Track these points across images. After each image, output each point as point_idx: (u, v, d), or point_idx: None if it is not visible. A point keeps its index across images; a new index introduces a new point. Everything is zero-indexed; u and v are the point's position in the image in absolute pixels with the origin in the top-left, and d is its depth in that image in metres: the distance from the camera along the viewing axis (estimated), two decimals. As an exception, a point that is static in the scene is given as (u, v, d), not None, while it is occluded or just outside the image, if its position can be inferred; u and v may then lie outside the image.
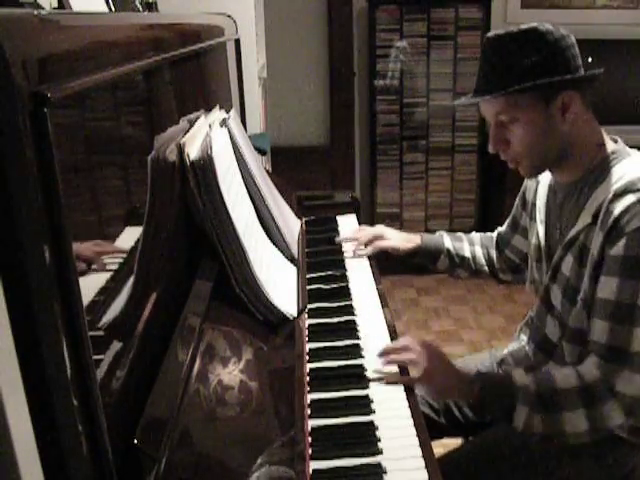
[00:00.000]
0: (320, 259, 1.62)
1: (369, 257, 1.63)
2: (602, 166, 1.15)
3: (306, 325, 1.29)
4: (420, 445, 0.95)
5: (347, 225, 1.87)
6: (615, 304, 1.06)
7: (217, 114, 1.41)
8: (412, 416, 1.02)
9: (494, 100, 1.14)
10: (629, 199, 1.06)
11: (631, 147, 1.19)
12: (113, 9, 1.30)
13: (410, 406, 1.05)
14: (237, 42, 2.00)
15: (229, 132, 1.35)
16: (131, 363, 0.71)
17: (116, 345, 0.70)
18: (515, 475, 1.21)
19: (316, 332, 1.28)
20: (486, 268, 1.56)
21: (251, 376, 0.98)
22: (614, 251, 1.05)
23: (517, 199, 1.47)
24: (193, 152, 1.09)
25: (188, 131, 1.14)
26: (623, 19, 3.51)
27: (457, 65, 3.40)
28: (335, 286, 1.47)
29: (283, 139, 3.56)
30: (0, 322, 0.50)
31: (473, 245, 1.57)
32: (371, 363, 1.17)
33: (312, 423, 1.00)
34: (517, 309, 3.13)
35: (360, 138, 3.70)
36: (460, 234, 1.60)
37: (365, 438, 0.97)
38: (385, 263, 1.66)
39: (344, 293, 1.44)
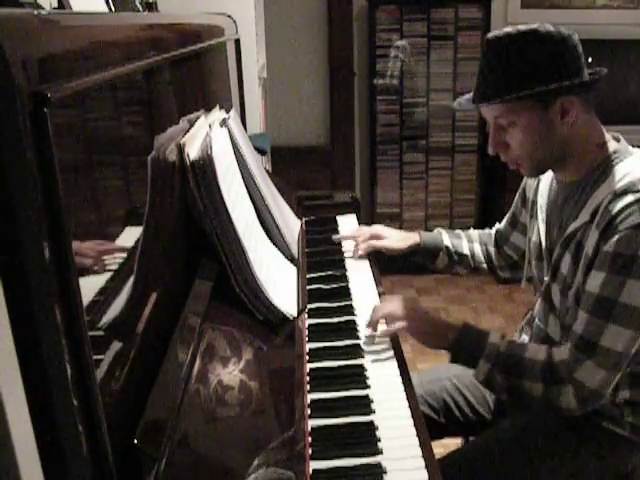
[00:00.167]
0: (320, 259, 1.62)
1: (369, 257, 1.63)
2: (604, 166, 1.15)
3: (306, 325, 1.29)
4: (420, 445, 0.95)
5: (347, 225, 1.87)
6: (597, 297, 1.07)
7: (217, 114, 1.41)
8: (412, 416, 1.02)
9: (492, 105, 1.14)
10: (628, 199, 1.06)
11: (632, 147, 1.19)
12: (113, 9, 1.30)
13: (410, 406, 1.05)
14: (237, 42, 2.00)
15: (229, 132, 1.35)
16: (131, 363, 0.71)
17: (116, 345, 0.70)
18: (515, 475, 1.21)
19: (316, 332, 1.27)
20: (485, 265, 1.56)
21: (251, 376, 0.98)
22: (606, 247, 1.06)
23: (517, 196, 1.47)
24: (193, 152, 1.09)
25: (188, 131, 1.14)
26: (623, 19, 3.51)
27: (457, 65, 3.40)
28: (335, 286, 1.47)
29: (283, 139, 3.56)
30: (0, 322, 0.50)
31: (472, 242, 1.57)
32: (371, 363, 1.17)
33: (312, 423, 1.00)
34: (517, 309, 3.13)
35: (360, 138, 3.70)
36: (458, 231, 1.60)
37: (365, 438, 0.97)
38: (385, 263, 1.66)
39: (344, 293, 1.44)
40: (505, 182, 3.31)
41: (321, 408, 1.04)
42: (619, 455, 1.20)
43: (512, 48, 1.10)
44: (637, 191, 1.06)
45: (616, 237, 1.05)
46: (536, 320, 1.32)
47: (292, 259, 1.44)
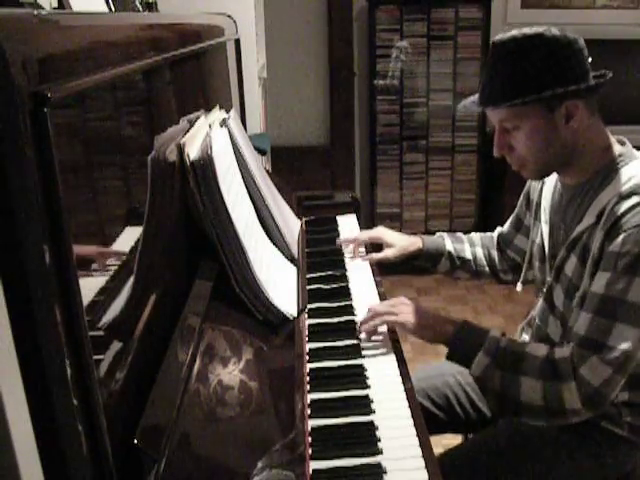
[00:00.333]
0: (320, 259, 1.62)
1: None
2: (609, 169, 1.15)
3: (306, 325, 1.29)
4: (420, 445, 0.95)
5: (347, 225, 1.87)
6: (602, 297, 1.06)
7: (217, 114, 1.41)
8: (412, 416, 1.02)
9: (497, 109, 1.14)
10: (633, 200, 1.06)
11: (632, 147, 1.19)
12: (113, 9, 1.30)
13: (410, 406, 1.05)
14: (237, 42, 2.00)
15: (229, 132, 1.35)
16: (131, 363, 0.71)
17: (116, 345, 0.70)
18: (514, 474, 1.21)
19: (316, 332, 1.27)
20: (487, 269, 1.56)
21: (251, 376, 0.98)
22: (611, 247, 1.06)
23: (521, 198, 1.47)
24: (193, 152, 1.09)
25: (188, 131, 1.14)
26: (623, 19, 3.51)
27: (457, 65, 3.40)
28: (335, 286, 1.47)
29: (283, 139, 3.56)
30: (0, 322, 0.50)
31: (474, 246, 1.56)
32: (371, 363, 1.17)
33: (312, 423, 1.00)
34: (517, 309, 3.13)
35: (360, 138, 3.70)
36: (460, 235, 1.59)
37: (365, 438, 0.97)
38: (385, 263, 1.66)
39: (344, 293, 1.44)
40: (505, 182, 3.31)
41: (321, 408, 1.04)
42: (618, 455, 1.20)
43: (518, 52, 1.10)
44: None
45: (621, 237, 1.05)
46: (536, 321, 1.32)
47: (292, 259, 1.44)
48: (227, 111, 1.52)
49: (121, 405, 0.68)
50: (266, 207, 1.41)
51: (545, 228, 1.30)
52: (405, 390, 1.09)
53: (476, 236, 1.59)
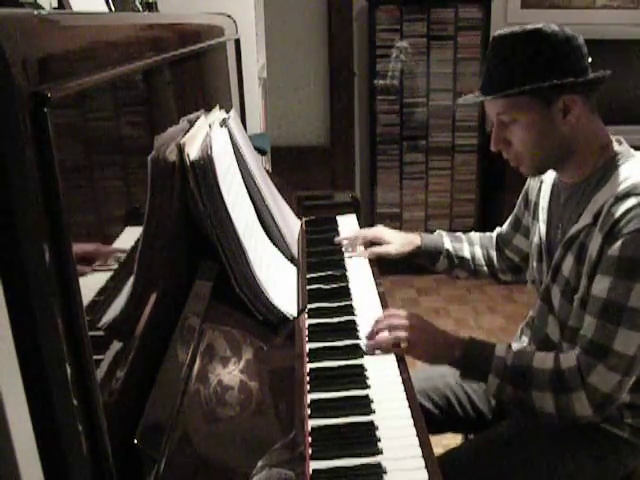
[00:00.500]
0: (320, 259, 1.62)
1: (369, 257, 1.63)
2: (606, 168, 1.15)
3: (306, 325, 1.29)
4: (420, 445, 0.95)
5: (347, 225, 1.87)
6: (605, 302, 1.06)
7: (217, 114, 1.41)
8: (412, 416, 1.02)
9: (495, 101, 1.15)
10: (631, 202, 1.06)
11: (632, 147, 1.19)
12: (113, 9, 1.30)
13: (410, 406, 1.05)
14: (237, 42, 2.00)
15: (229, 132, 1.35)
16: (131, 363, 0.71)
17: (116, 345, 0.70)
18: (515, 475, 1.21)
19: (316, 332, 1.27)
20: (485, 268, 1.56)
21: (251, 376, 0.98)
22: (611, 251, 1.06)
23: (520, 198, 1.47)
24: (193, 152, 1.09)
25: (188, 131, 1.14)
26: (623, 19, 3.51)
27: (457, 65, 3.40)
28: (335, 286, 1.47)
29: (283, 139, 3.56)
30: (0, 322, 0.50)
31: (472, 245, 1.57)
32: (371, 363, 1.17)
33: (312, 423, 1.00)
34: (517, 309, 3.13)
35: (360, 138, 3.70)
36: (459, 234, 1.60)
37: (365, 438, 0.97)
38: (385, 263, 1.66)
39: (344, 293, 1.44)
40: (505, 182, 3.31)
41: (321, 408, 1.04)
42: (619, 457, 1.20)
43: (517, 45, 1.11)
44: (639, 194, 1.06)
45: (620, 241, 1.05)
46: (535, 321, 1.32)
47: (292, 259, 1.44)
48: (227, 111, 1.52)
49: (121, 405, 0.68)
50: (266, 207, 1.41)
51: (543, 227, 1.30)
52: (405, 390, 1.09)
53: (475, 235, 1.59)
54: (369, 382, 1.11)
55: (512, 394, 1.13)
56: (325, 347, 1.22)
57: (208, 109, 1.39)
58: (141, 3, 1.59)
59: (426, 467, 0.91)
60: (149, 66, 0.90)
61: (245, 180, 1.35)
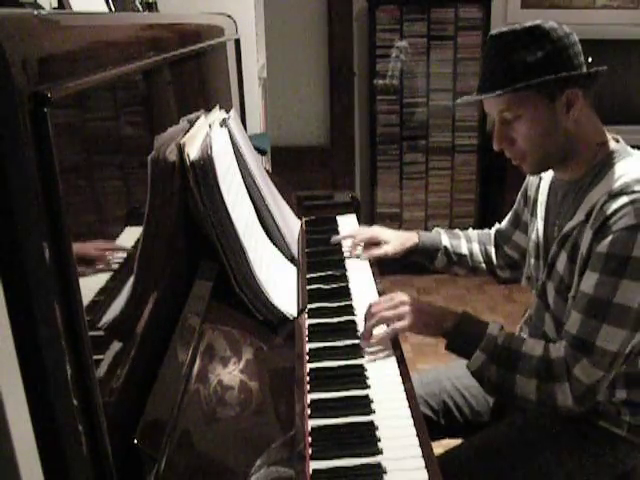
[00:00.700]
0: (320, 259, 1.62)
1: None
2: (602, 165, 1.15)
3: (306, 325, 1.29)
4: (420, 445, 0.95)
5: (347, 225, 1.87)
6: (591, 298, 1.07)
7: (217, 114, 1.41)
8: (412, 416, 1.02)
9: (498, 97, 1.14)
10: (622, 200, 1.06)
11: (631, 147, 1.19)
12: (113, 9, 1.30)
13: (410, 406, 1.05)
14: (237, 42, 2.00)
15: (229, 132, 1.35)
16: (131, 363, 0.71)
17: (116, 345, 0.70)
18: (515, 474, 1.21)
19: (316, 332, 1.27)
20: (483, 265, 1.56)
21: (251, 376, 0.98)
22: (599, 248, 1.07)
23: (519, 195, 1.47)
24: (193, 152, 1.09)
25: (188, 131, 1.14)
26: (623, 19, 3.50)
27: (457, 65, 3.40)
28: (335, 286, 1.47)
29: (283, 139, 3.56)
30: (0, 322, 0.50)
31: (470, 242, 1.57)
32: (371, 363, 1.17)
33: (312, 423, 1.00)
34: (517, 309, 3.13)
35: (360, 138, 3.70)
36: (457, 231, 1.60)
37: (365, 438, 0.97)
38: (385, 263, 1.66)
39: (344, 293, 1.44)
40: (505, 182, 3.31)
41: (321, 408, 1.04)
42: (617, 455, 1.20)
43: (517, 42, 1.11)
44: (631, 192, 1.06)
45: (609, 238, 1.05)
46: (533, 318, 1.32)
47: (292, 259, 1.44)
48: (227, 111, 1.52)
49: (121, 405, 0.68)
50: (266, 207, 1.41)
51: (540, 224, 1.30)
52: (405, 390, 1.09)
53: (473, 232, 1.60)
54: (369, 382, 1.11)
55: (495, 374, 1.12)
56: (325, 347, 1.22)
57: (208, 109, 1.39)
58: (141, 3, 1.59)
59: (426, 467, 0.91)
60: (149, 66, 0.90)
61: (245, 180, 1.35)
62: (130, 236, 0.79)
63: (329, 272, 1.54)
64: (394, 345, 1.22)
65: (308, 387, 1.10)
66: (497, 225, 1.57)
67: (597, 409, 1.18)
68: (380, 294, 1.45)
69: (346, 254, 1.65)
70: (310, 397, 1.07)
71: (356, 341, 1.24)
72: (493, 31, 1.16)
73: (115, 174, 0.78)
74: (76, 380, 0.55)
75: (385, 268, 1.63)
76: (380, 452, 0.94)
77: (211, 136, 1.14)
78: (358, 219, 1.93)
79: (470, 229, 1.62)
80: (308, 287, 1.44)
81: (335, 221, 1.90)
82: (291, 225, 1.61)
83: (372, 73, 3.41)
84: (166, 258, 0.95)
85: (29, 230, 0.50)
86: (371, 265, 1.60)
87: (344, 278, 1.52)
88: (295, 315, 1.21)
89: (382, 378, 1.13)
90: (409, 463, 0.92)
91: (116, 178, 0.78)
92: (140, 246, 0.80)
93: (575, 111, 1.13)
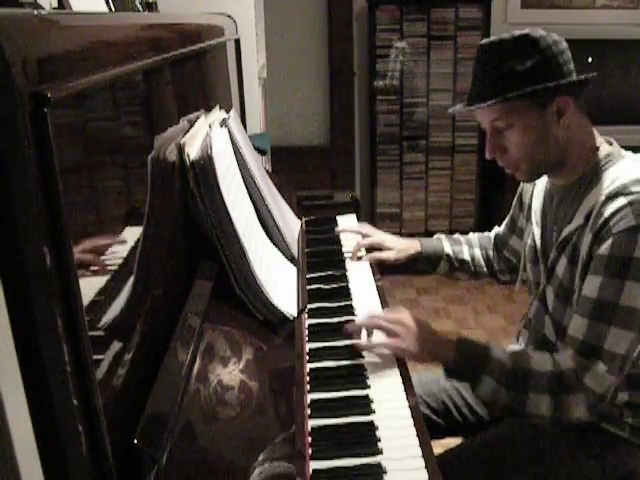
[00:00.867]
0: (320, 259, 1.62)
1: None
2: (596, 169, 1.15)
3: (306, 325, 1.29)
4: (420, 445, 0.95)
5: (347, 225, 1.86)
6: (596, 302, 1.06)
7: (217, 114, 1.41)
8: (412, 416, 1.02)
9: (490, 107, 1.14)
10: (620, 202, 1.06)
11: (631, 147, 1.19)
12: (113, 9, 1.30)
13: (410, 406, 1.05)
14: (237, 42, 2.00)
15: (229, 132, 1.35)
16: (131, 363, 0.71)
17: (116, 345, 0.70)
18: (515, 474, 1.21)
19: (316, 332, 1.27)
20: (485, 269, 1.57)
21: (251, 376, 0.98)
22: (601, 251, 1.06)
23: (514, 200, 1.48)
24: (193, 152, 1.09)
25: (188, 131, 1.14)
26: (623, 19, 3.50)
27: (457, 65, 3.40)
28: (335, 286, 1.47)
29: (283, 139, 3.56)
30: (0, 322, 0.50)
31: (472, 247, 1.58)
32: (371, 363, 1.17)
33: (312, 423, 1.00)
34: (517, 309, 3.13)
35: (360, 138, 3.70)
36: (458, 236, 1.60)
37: (365, 438, 0.97)
38: (385, 264, 1.66)
39: (344, 293, 1.44)
40: (505, 182, 3.31)
41: (321, 408, 1.04)
42: (619, 457, 1.20)
43: (507, 52, 1.12)
44: (629, 193, 1.06)
45: (610, 240, 1.05)
46: (533, 322, 1.32)
47: (292, 259, 1.44)
48: (227, 111, 1.52)
49: (121, 405, 0.68)
50: (266, 207, 1.41)
51: (537, 230, 1.30)
52: (405, 390, 1.09)
53: (474, 237, 1.60)
54: (369, 382, 1.11)
55: (505, 397, 1.10)
56: (325, 347, 1.22)
57: (208, 109, 1.39)
58: (141, 3, 1.59)
59: (426, 467, 0.91)
60: (149, 66, 0.90)
61: (245, 180, 1.35)
62: (130, 236, 0.79)
63: (329, 272, 1.54)
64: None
65: (308, 387, 1.10)
66: (496, 229, 1.58)
67: (599, 411, 1.17)
68: (380, 295, 1.45)
69: (347, 257, 1.65)
70: (310, 397, 1.07)
71: (356, 341, 1.24)
72: (483, 41, 1.16)
73: (115, 174, 0.78)
74: (76, 380, 0.55)
75: (385, 268, 1.63)
76: (380, 452, 0.93)
77: (211, 136, 1.14)
78: (358, 219, 1.93)
79: (471, 233, 1.62)
80: (308, 287, 1.44)
81: (335, 221, 1.90)
82: (291, 225, 1.61)
83: (372, 73, 3.41)
84: (166, 258, 0.95)
85: (29, 230, 0.51)
86: (371, 265, 1.60)
87: (344, 278, 1.51)
88: (295, 315, 1.21)
89: (382, 378, 1.13)
90: (409, 463, 0.92)
91: (116, 178, 0.78)
92: (140, 246, 0.80)
93: (566, 119, 1.13)
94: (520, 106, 1.12)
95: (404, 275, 3.47)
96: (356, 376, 1.13)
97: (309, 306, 1.35)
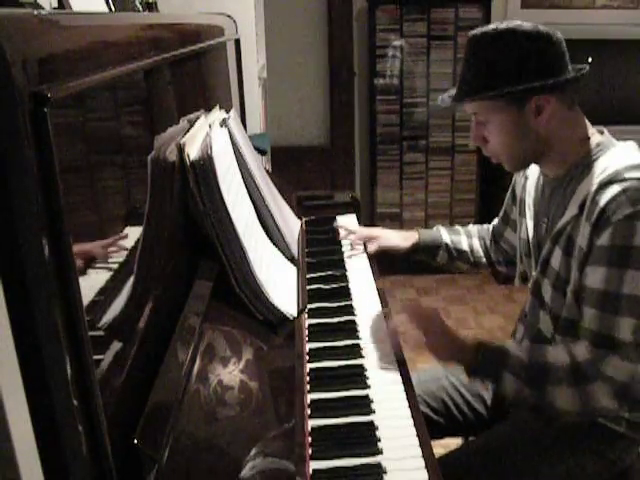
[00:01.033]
0: (320, 259, 1.62)
1: (369, 257, 1.64)
2: (587, 159, 1.15)
3: (306, 325, 1.29)
4: (420, 445, 0.95)
5: (347, 225, 1.86)
6: (602, 293, 1.06)
7: (217, 114, 1.41)
8: (412, 416, 1.02)
9: (467, 103, 1.17)
10: (614, 189, 1.06)
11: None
12: (113, 9, 1.30)
13: (410, 406, 1.05)
14: (237, 42, 2.00)
15: (229, 132, 1.35)
16: (131, 363, 0.71)
17: (116, 345, 0.70)
18: (514, 472, 1.21)
19: (316, 332, 1.27)
20: (484, 259, 1.59)
21: (251, 376, 0.98)
22: (601, 241, 1.06)
23: (508, 192, 1.50)
24: (193, 152, 1.09)
25: (188, 131, 1.14)
26: (623, 19, 3.50)
27: (457, 65, 3.39)
28: (335, 286, 1.47)
29: (283, 139, 3.56)
30: (0, 322, 0.50)
31: (471, 238, 1.60)
32: (371, 363, 1.17)
33: (312, 423, 1.00)
34: (517, 309, 3.11)
35: (360, 138, 3.70)
36: (457, 227, 1.63)
37: (365, 438, 0.97)
38: (385, 263, 1.67)
39: (344, 293, 1.44)
40: (504, 182, 3.30)
41: (321, 408, 1.04)
42: (616, 451, 1.20)
43: (488, 47, 1.12)
44: (622, 180, 1.06)
45: (609, 230, 1.05)
46: (528, 316, 1.32)
47: (292, 259, 1.44)
48: (227, 111, 1.52)
49: (121, 405, 0.68)
50: (266, 207, 1.41)
51: (530, 223, 1.31)
52: (405, 390, 1.09)
53: (473, 228, 1.63)
54: (369, 382, 1.11)
55: (529, 393, 1.09)
56: (325, 347, 1.22)
57: (208, 109, 1.39)
58: (141, 3, 1.59)
59: (426, 467, 0.91)
60: (149, 66, 0.90)
61: (245, 180, 1.35)
62: (130, 236, 0.79)
63: (329, 272, 1.54)
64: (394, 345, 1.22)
65: (308, 387, 1.10)
66: (495, 220, 1.60)
67: None
68: (380, 295, 1.45)
69: (347, 249, 1.67)
70: (310, 397, 1.07)
71: (356, 341, 1.24)
72: (472, 32, 1.15)
73: (115, 174, 0.78)
74: (76, 380, 0.55)
75: (385, 268, 1.64)
76: (380, 452, 0.94)
77: (211, 136, 1.14)
78: (358, 219, 1.93)
79: (470, 225, 1.65)
80: (308, 287, 1.45)
81: (335, 221, 1.90)
82: (291, 225, 1.61)
83: (372, 73, 3.41)
84: (166, 258, 0.95)
85: (29, 230, 0.50)
86: (371, 265, 1.60)
87: (344, 278, 1.52)
88: (295, 315, 1.21)
89: (382, 378, 1.13)
90: (409, 463, 0.92)
91: (116, 178, 0.78)
92: (140, 246, 0.80)
93: (544, 116, 1.13)
94: (497, 104, 1.14)
95: (404, 275, 3.47)
96: (356, 376, 1.13)
97: (309, 306, 1.35)
